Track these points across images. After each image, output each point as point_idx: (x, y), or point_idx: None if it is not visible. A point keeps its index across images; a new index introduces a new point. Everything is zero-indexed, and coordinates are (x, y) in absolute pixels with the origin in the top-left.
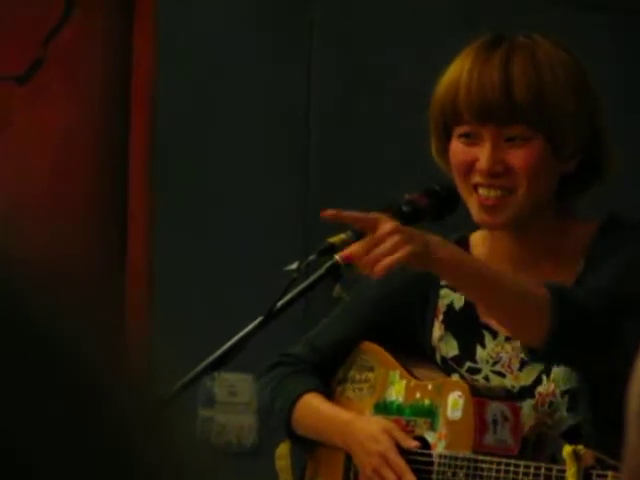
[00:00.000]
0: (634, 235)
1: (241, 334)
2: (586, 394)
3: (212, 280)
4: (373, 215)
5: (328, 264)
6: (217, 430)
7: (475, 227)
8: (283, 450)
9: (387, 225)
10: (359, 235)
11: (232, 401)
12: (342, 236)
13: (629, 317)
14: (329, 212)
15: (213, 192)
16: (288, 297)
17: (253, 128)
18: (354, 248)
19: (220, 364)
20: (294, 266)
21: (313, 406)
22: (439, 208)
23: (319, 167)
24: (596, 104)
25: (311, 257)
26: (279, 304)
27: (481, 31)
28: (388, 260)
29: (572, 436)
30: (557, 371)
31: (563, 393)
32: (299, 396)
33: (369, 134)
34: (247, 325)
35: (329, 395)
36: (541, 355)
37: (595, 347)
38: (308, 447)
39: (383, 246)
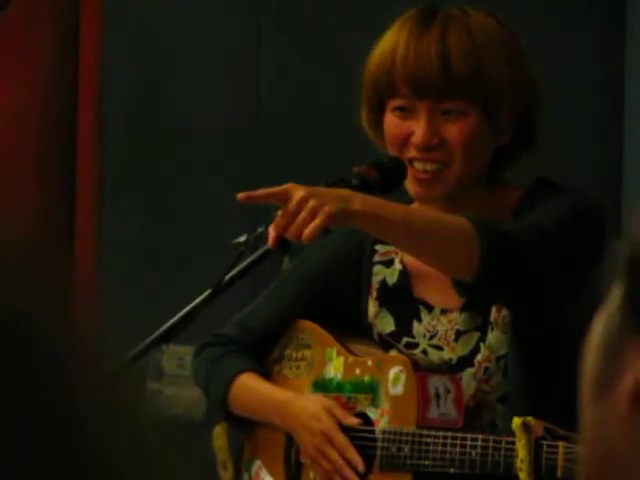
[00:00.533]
0: (560, 192)
1: (190, 307)
2: (517, 360)
3: (161, 253)
4: (283, 187)
5: None
6: (166, 403)
7: (409, 201)
8: (219, 431)
9: (299, 192)
10: None
11: (181, 374)
12: None
13: (564, 266)
14: (241, 196)
15: (161, 168)
16: (236, 270)
17: (203, 106)
18: (274, 230)
19: (169, 337)
20: (242, 239)
21: (249, 386)
22: (388, 180)
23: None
24: (531, 75)
25: (260, 230)
26: (227, 277)
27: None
28: (311, 229)
29: (507, 401)
30: (492, 337)
31: (498, 359)
32: (234, 376)
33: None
34: (195, 298)
35: (265, 375)
36: (473, 287)
37: (527, 281)
38: (245, 427)
39: (301, 216)
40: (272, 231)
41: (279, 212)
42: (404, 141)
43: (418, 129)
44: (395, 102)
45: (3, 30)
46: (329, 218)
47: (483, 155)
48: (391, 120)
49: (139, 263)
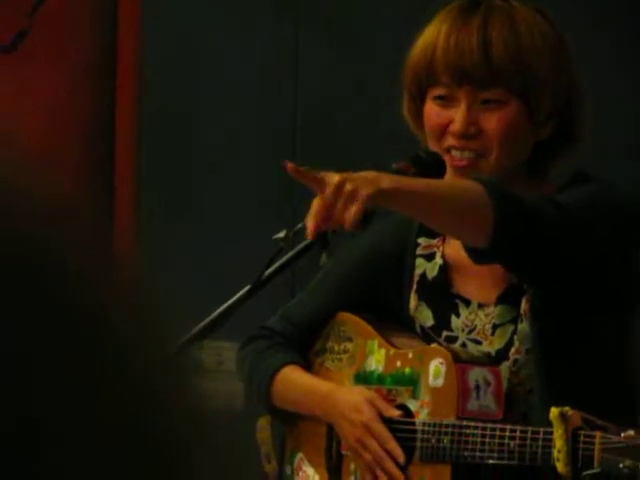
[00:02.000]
0: (593, 181)
1: (229, 302)
2: (538, 352)
3: (200, 248)
4: (318, 174)
5: None
6: (206, 397)
7: None
8: (263, 422)
9: (334, 179)
10: None
11: (220, 369)
12: None
13: (581, 242)
14: (290, 165)
15: (200, 161)
16: (275, 266)
17: (242, 100)
18: (312, 221)
19: (208, 332)
20: (281, 235)
21: (292, 379)
22: (426, 176)
23: (305, 134)
24: (573, 71)
25: (299, 225)
26: (266, 273)
27: None
28: (352, 215)
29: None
30: (522, 329)
31: (527, 350)
32: (277, 369)
33: (355, 104)
34: (235, 294)
35: (308, 368)
36: (487, 252)
37: (540, 247)
38: (288, 420)
39: (339, 203)
40: (310, 222)
41: (313, 202)
42: (443, 130)
43: (457, 116)
44: (435, 91)
45: (45, 20)
46: (366, 201)
47: (521, 148)
48: (431, 109)
49: (177, 259)
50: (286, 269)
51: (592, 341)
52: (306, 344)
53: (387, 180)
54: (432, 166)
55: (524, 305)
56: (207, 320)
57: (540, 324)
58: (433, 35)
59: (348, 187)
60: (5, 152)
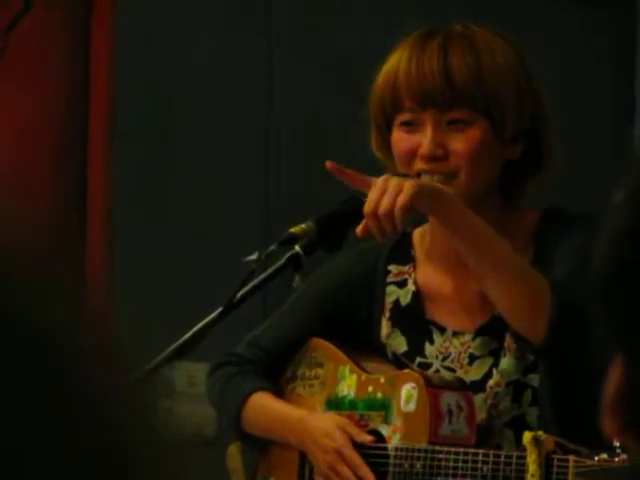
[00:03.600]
0: (578, 223)
1: (201, 324)
2: (547, 388)
3: (171, 270)
4: (365, 177)
5: (289, 254)
6: (177, 420)
7: (418, 222)
8: (233, 450)
9: (380, 178)
10: (320, 225)
11: (192, 392)
12: (303, 226)
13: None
14: (331, 165)
15: (173, 179)
16: (248, 287)
17: (215, 123)
18: (367, 215)
19: (180, 354)
20: (254, 257)
21: (263, 405)
22: None
23: (280, 151)
24: (536, 92)
25: (271, 247)
26: (239, 294)
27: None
28: (400, 203)
29: (515, 426)
30: (505, 363)
31: (507, 384)
32: (248, 395)
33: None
34: (207, 316)
35: (279, 394)
36: (542, 347)
37: (581, 342)
38: (259, 446)
39: (387, 195)
40: (360, 225)
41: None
42: (411, 155)
43: (424, 140)
44: (401, 117)
45: (20, 39)
46: (414, 195)
47: (490, 167)
48: (398, 136)
49: (149, 280)
50: (259, 291)
51: (595, 383)
52: (276, 370)
53: (445, 195)
54: None
55: (508, 339)
56: (179, 342)
57: (551, 383)
58: (395, 63)
59: (394, 181)
60: None
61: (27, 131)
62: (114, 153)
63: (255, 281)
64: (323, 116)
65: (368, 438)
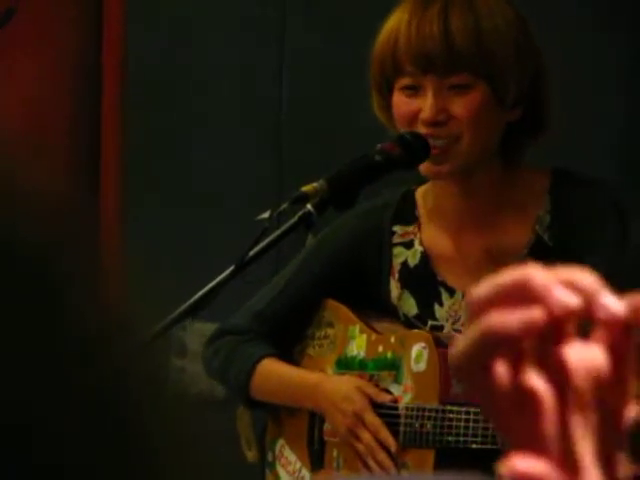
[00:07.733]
0: (593, 192)
1: (212, 283)
2: None
3: (183, 228)
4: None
5: (300, 213)
6: (189, 380)
7: (422, 181)
8: (243, 411)
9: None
10: (332, 183)
11: None
12: (315, 185)
13: None
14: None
15: (185, 146)
16: (260, 246)
17: (231, 90)
18: None
19: (192, 313)
20: (266, 215)
21: (273, 371)
22: (411, 156)
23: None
24: (538, 56)
25: (283, 206)
26: (250, 253)
27: None
28: None
29: None
30: None
31: None
32: (256, 362)
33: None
34: (219, 274)
35: (287, 356)
36: None
37: None
38: (268, 410)
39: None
40: None
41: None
42: (413, 119)
43: (425, 105)
44: (402, 81)
45: (26, 10)
46: None
47: (492, 130)
48: (399, 99)
49: (162, 241)
50: (271, 249)
51: None
52: (279, 338)
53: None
54: (417, 147)
55: None
56: (191, 301)
57: None
58: (395, 25)
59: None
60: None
61: (38, 100)
62: (127, 121)
63: (267, 239)
64: (336, 83)
65: (387, 397)
